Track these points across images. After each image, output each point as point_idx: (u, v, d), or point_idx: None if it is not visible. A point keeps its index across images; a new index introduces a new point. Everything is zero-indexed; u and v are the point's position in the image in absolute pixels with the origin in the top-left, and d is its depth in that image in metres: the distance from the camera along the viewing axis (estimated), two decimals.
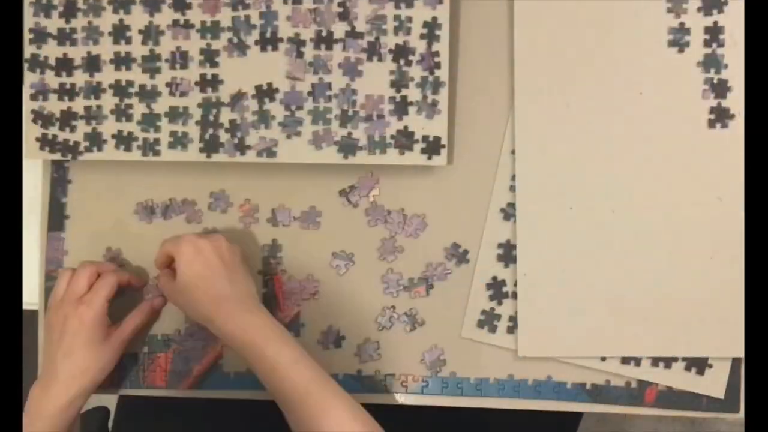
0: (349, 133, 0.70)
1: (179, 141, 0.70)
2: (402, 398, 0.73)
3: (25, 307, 0.73)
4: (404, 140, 0.70)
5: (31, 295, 0.75)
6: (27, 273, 0.75)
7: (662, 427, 1.42)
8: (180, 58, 0.70)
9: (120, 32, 0.71)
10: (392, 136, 0.70)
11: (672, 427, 1.42)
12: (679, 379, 0.72)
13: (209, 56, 0.70)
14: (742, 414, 0.72)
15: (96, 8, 0.71)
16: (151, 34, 0.70)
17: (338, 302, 0.73)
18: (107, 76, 0.71)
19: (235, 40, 0.70)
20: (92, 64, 0.71)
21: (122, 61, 0.71)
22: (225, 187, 0.74)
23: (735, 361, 0.72)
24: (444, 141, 0.70)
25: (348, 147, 0.70)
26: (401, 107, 0.70)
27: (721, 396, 0.71)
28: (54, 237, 0.74)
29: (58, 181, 0.74)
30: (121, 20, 0.71)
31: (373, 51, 0.69)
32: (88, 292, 0.68)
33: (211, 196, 0.74)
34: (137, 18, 0.70)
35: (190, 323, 0.73)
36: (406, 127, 0.70)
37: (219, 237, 0.68)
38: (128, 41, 0.70)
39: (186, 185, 0.74)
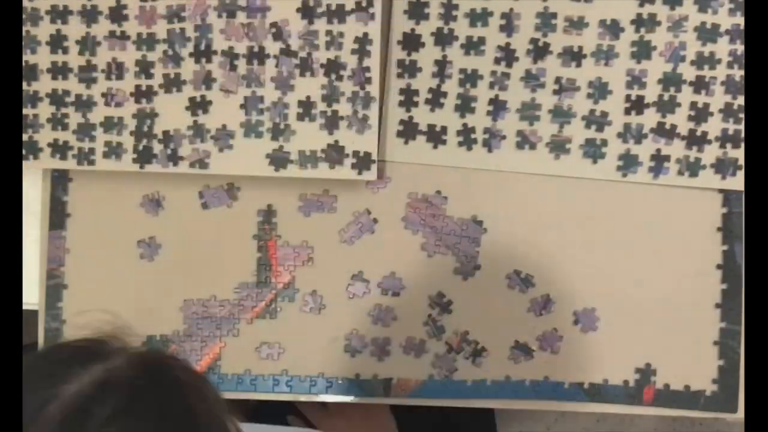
0: (281, 147, 0.70)
1: (113, 151, 0.71)
2: (400, 401, 0.73)
3: (25, 307, 0.73)
4: (335, 155, 0.70)
5: (31, 295, 0.75)
6: (27, 273, 0.74)
7: (662, 427, 1.42)
8: (116, 69, 0.71)
9: (57, 42, 0.71)
10: (323, 150, 0.70)
11: (672, 427, 1.42)
12: None
13: (144, 67, 0.70)
14: (741, 414, 0.72)
15: (34, 18, 0.71)
16: (87, 44, 0.71)
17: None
18: (44, 85, 0.71)
19: (170, 52, 0.70)
20: (29, 73, 0.71)
21: (59, 71, 0.71)
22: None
23: (734, 361, 0.72)
24: (374, 156, 0.70)
25: (279, 160, 0.70)
26: (332, 121, 0.70)
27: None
28: (55, 235, 0.74)
29: (59, 180, 0.74)
30: (58, 30, 0.71)
31: (305, 66, 0.70)
32: None
33: (210, 188, 0.74)
34: (74, 28, 0.71)
35: (188, 324, 0.73)
36: (336, 142, 0.70)
37: None
38: (65, 51, 0.71)
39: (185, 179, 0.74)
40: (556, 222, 0.73)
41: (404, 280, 0.73)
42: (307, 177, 0.71)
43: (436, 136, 0.73)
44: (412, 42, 0.72)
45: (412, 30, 0.72)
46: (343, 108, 0.70)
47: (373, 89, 0.70)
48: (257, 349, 0.73)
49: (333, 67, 0.70)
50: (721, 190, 0.73)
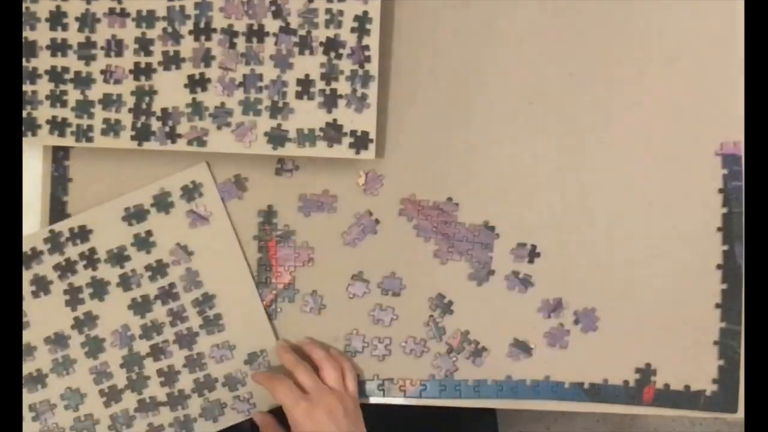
0: (279, 125, 0.70)
1: (112, 128, 0.70)
2: (401, 402, 0.73)
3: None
4: (333, 133, 0.70)
5: None
6: None
7: (662, 426, 1.42)
8: (115, 46, 0.70)
9: (57, 19, 0.71)
10: (321, 129, 0.70)
11: (672, 426, 1.42)
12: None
13: (144, 45, 0.70)
14: (741, 414, 0.72)
15: None
16: (87, 21, 0.71)
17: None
18: (43, 62, 0.71)
19: (170, 29, 0.70)
20: (28, 49, 0.71)
21: (58, 48, 0.71)
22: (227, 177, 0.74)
23: (734, 361, 0.72)
24: (372, 135, 0.70)
25: (278, 138, 0.70)
26: (331, 100, 0.70)
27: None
28: None
29: (59, 180, 0.74)
30: (58, 7, 0.71)
31: (304, 44, 0.70)
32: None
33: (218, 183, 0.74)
34: (74, 5, 0.71)
35: None
36: (335, 120, 0.70)
37: (333, 399, 0.66)
38: (65, 28, 0.71)
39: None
40: (556, 222, 0.73)
41: (404, 280, 0.73)
42: (305, 155, 0.70)
43: None
44: None
45: None
46: (342, 86, 0.70)
47: (372, 68, 0.70)
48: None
49: (332, 45, 0.69)
50: (720, 190, 0.73)
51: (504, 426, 1.37)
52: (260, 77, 0.70)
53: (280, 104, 0.70)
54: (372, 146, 0.70)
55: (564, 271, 0.73)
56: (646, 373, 0.73)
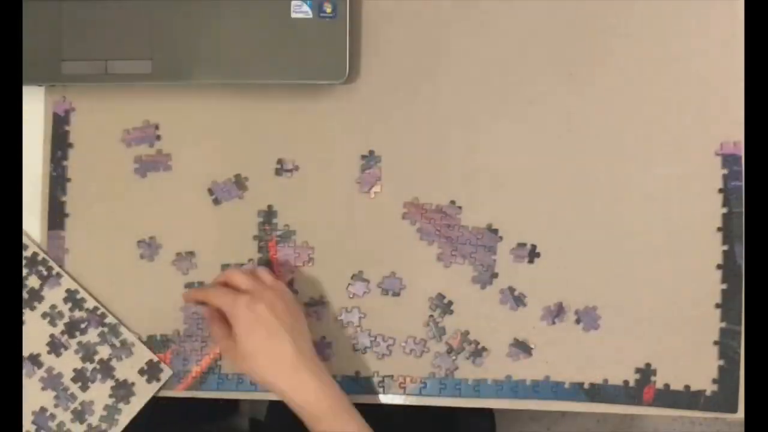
0: None
1: None
2: (400, 399, 0.73)
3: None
4: None
5: None
6: None
7: (662, 426, 1.42)
8: None
9: None
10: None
11: (672, 426, 1.42)
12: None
13: None
14: (741, 414, 0.72)
15: None
16: None
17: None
18: None
19: None
20: None
21: None
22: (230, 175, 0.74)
23: (734, 361, 0.72)
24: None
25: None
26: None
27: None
28: (54, 236, 0.74)
29: (58, 180, 0.74)
30: None
31: None
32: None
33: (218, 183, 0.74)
34: None
35: (189, 324, 0.73)
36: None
37: (273, 294, 0.66)
38: None
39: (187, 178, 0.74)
40: (556, 222, 0.73)
41: (404, 280, 0.73)
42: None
43: None
44: None
45: None
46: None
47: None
48: None
49: None
50: (720, 190, 0.73)
51: (504, 426, 1.37)
52: None
53: None
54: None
55: (564, 271, 0.73)
56: (646, 373, 0.73)
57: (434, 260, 0.73)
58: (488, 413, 0.90)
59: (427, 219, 0.73)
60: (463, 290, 0.73)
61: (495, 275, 0.73)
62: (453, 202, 0.73)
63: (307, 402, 0.63)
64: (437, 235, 0.73)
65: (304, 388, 0.63)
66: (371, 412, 0.67)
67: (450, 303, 0.73)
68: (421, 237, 0.73)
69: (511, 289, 0.73)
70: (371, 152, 0.74)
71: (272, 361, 0.64)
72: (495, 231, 0.73)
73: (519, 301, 0.73)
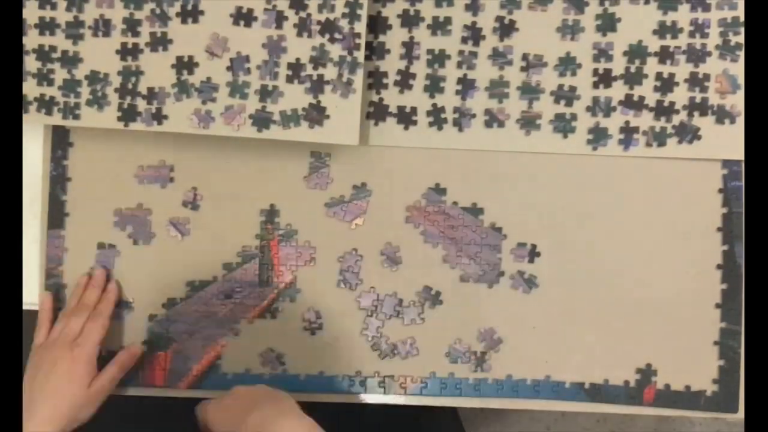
0: (264, 107, 0.70)
1: (97, 101, 0.71)
2: (401, 399, 0.73)
3: (24, 307, 0.73)
4: (315, 114, 0.69)
5: (31, 295, 0.75)
6: (27, 272, 0.75)
7: (662, 427, 1.42)
8: (103, 26, 0.71)
9: None
10: (304, 109, 0.69)
11: (672, 427, 1.42)
12: None
13: (131, 26, 0.70)
14: (741, 414, 0.72)
15: None
16: (75, 0, 0.71)
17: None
18: (31, 40, 0.71)
19: (158, 11, 0.70)
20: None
21: (46, 27, 0.71)
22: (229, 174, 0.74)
23: (734, 361, 0.72)
24: (356, 121, 0.69)
25: (262, 121, 0.70)
26: (318, 85, 0.69)
27: None
28: (54, 235, 0.74)
29: (57, 179, 0.74)
30: None
31: (295, 28, 0.69)
32: (80, 335, 0.68)
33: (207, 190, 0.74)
34: None
35: (189, 323, 0.73)
36: (319, 102, 0.70)
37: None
38: (53, 7, 0.71)
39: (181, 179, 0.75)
40: (556, 223, 0.73)
41: (404, 279, 0.73)
42: (288, 139, 0.70)
43: (406, 118, 0.73)
44: (379, 24, 0.72)
45: (379, 12, 0.72)
46: (330, 72, 0.70)
47: (360, 55, 0.69)
48: (258, 348, 0.73)
49: (327, 29, 0.69)
50: (720, 190, 0.73)
51: (505, 426, 1.37)
52: (247, 59, 0.70)
53: (270, 87, 0.70)
54: (356, 132, 0.69)
55: (564, 271, 0.73)
56: (647, 373, 0.73)
57: (440, 262, 0.73)
58: (451, 411, 0.88)
59: (431, 222, 0.73)
60: (463, 290, 0.73)
61: (501, 273, 0.73)
62: (456, 203, 0.73)
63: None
64: (442, 236, 0.73)
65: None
66: (335, 412, 0.66)
67: (451, 302, 0.73)
68: (425, 240, 0.74)
69: (521, 272, 0.73)
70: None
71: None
72: (499, 229, 0.73)
73: (526, 293, 0.73)
